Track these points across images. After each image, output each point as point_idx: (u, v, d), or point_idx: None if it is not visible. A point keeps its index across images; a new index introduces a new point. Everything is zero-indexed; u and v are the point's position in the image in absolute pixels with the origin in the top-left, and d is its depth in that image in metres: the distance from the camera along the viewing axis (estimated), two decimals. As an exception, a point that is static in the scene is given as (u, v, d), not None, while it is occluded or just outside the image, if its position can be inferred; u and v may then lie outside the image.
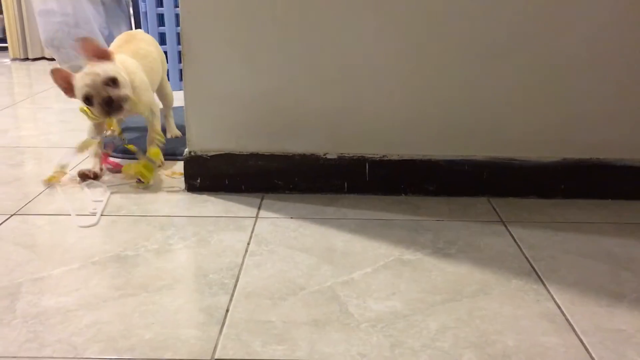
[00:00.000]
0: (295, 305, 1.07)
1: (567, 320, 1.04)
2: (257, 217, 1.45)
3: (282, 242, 1.32)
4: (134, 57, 1.77)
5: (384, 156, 1.57)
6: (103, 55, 1.62)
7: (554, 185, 1.57)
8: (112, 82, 1.57)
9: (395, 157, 1.58)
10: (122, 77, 1.62)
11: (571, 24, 1.47)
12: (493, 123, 1.55)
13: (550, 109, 1.53)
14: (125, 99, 1.59)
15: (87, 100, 1.58)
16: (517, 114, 1.54)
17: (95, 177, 1.67)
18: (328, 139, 1.58)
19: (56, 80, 1.61)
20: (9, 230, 1.37)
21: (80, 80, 1.57)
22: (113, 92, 1.56)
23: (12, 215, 1.45)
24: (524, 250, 1.29)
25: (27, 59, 3.92)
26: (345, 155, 1.58)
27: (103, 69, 1.58)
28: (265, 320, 1.03)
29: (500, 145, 1.56)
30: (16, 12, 3.81)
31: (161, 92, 2.07)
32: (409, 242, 1.33)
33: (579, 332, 1.00)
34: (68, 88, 1.61)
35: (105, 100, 1.56)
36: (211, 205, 1.52)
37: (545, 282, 1.16)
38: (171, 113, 2.11)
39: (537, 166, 1.56)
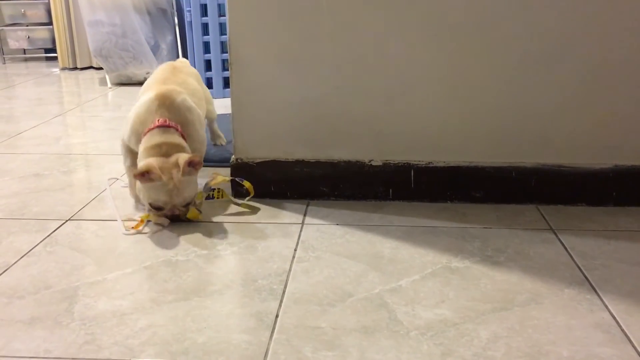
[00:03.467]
0: (344, 312, 1.08)
1: (622, 331, 1.02)
2: (303, 223, 1.46)
3: (328, 248, 1.33)
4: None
5: (429, 163, 1.57)
6: (197, 167, 1.47)
7: (605, 193, 1.54)
8: (189, 203, 1.47)
9: (441, 164, 1.57)
10: (198, 196, 1.53)
11: (620, 28, 1.44)
12: (541, 129, 1.53)
13: (600, 114, 1.50)
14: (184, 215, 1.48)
15: (154, 208, 1.45)
16: (566, 120, 1.52)
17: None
18: (373, 146, 1.59)
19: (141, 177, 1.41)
20: (65, 235, 1.42)
21: (162, 190, 1.41)
22: (184, 212, 1.46)
23: (67, 221, 1.50)
24: (575, 259, 1.27)
25: (75, 68, 4.04)
26: (391, 162, 1.58)
27: (191, 189, 1.45)
28: (314, 326, 1.03)
29: (549, 151, 1.54)
30: (65, 23, 3.93)
31: (207, 113, 1.94)
32: (456, 249, 1.32)
33: (635, 344, 0.98)
34: (145, 177, 1.42)
35: (174, 216, 1.46)
36: (259, 212, 1.54)
37: (599, 292, 1.14)
38: (215, 125, 2.12)
39: (587, 173, 1.53)
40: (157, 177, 1.38)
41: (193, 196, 1.47)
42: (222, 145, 2.10)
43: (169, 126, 1.48)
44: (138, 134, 1.52)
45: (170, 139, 1.46)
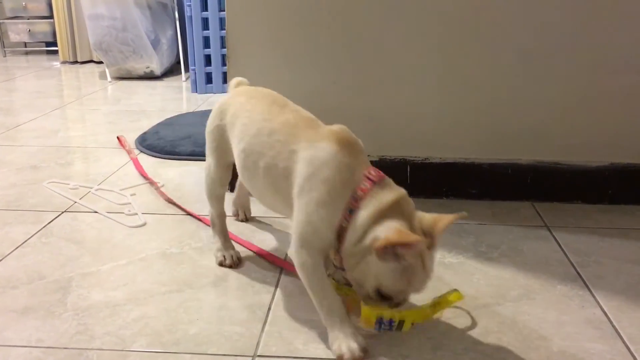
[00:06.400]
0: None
1: (613, 327, 1.02)
2: (298, 217, 1.46)
3: (323, 242, 1.33)
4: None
5: (426, 159, 1.57)
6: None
7: (600, 190, 1.54)
8: None
9: (437, 160, 1.57)
10: None
11: (618, 26, 1.44)
12: (538, 126, 1.53)
13: (597, 112, 1.50)
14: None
15: (382, 295, 0.94)
16: (562, 117, 1.52)
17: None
18: (369, 141, 1.57)
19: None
20: (60, 226, 1.42)
21: (405, 273, 0.91)
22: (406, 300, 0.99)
23: (62, 213, 1.50)
24: (569, 255, 1.27)
25: (76, 62, 4.04)
26: (387, 157, 1.58)
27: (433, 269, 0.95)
28: (306, 319, 1.04)
29: (545, 148, 1.54)
30: (66, 16, 3.93)
31: None
32: (450, 245, 1.32)
33: (626, 340, 0.98)
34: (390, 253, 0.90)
35: (402, 303, 0.98)
36: (254, 206, 1.54)
37: (591, 288, 1.14)
38: None
39: (583, 170, 1.53)
40: (410, 254, 0.90)
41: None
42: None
43: (384, 176, 1.00)
44: (340, 210, 0.96)
45: (401, 193, 0.97)
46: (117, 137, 2.11)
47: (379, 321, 0.95)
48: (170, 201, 1.56)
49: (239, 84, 1.30)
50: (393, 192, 0.96)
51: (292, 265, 1.10)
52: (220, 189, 1.25)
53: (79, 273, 1.20)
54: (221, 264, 1.23)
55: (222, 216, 1.26)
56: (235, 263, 1.23)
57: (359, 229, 0.94)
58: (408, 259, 0.90)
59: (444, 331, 1.00)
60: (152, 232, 1.39)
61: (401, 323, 0.96)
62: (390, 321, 0.95)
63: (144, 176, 1.75)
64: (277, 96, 1.19)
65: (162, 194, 1.60)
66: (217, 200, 1.26)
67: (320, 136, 1.02)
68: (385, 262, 0.90)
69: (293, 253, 1.00)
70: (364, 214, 0.94)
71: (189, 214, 1.46)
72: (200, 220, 1.44)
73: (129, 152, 1.96)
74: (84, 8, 3.37)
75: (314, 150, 1.00)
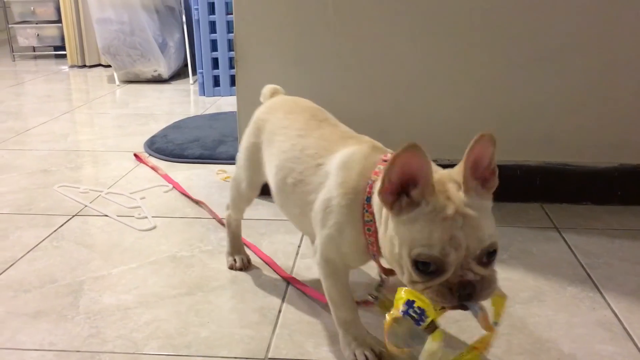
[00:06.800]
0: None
1: (624, 328, 1.01)
2: (307, 220, 1.47)
3: (332, 245, 1.33)
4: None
5: (434, 160, 1.56)
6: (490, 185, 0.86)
7: (609, 191, 1.53)
8: (492, 254, 0.81)
9: (445, 162, 1.56)
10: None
11: (626, 27, 1.44)
12: (546, 127, 1.53)
13: (606, 113, 1.50)
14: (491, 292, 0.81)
15: (425, 263, 0.77)
16: (571, 118, 1.51)
17: None
18: (378, 144, 1.59)
19: (399, 165, 0.78)
20: (71, 230, 1.43)
21: (438, 223, 0.76)
22: (486, 274, 0.79)
23: (73, 216, 1.51)
24: (579, 257, 1.27)
25: (84, 66, 4.06)
26: (395, 159, 1.58)
27: (489, 224, 0.82)
28: (317, 322, 1.04)
29: (554, 150, 1.53)
30: (74, 21, 3.95)
31: None
32: (459, 247, 1.32)
33: (637, 341, 0.98)
34: (396, 188, 0.79)
35: (465, 284, 0.78)
36: (262, 208, 1.55)
37: (602, 290, 1.13)
38: None
39: (592, 172, 1.53)
40: (426, 192, 0.77)
41: (495, 238, 0.80)
42: None
43: None
44: (363, 190, 0.89)
45: None
46: (135, 155, 1.99)
47: (408, 304, 0.77)
48: (221, 222, 1.43)
49: (274, 93, 1.22)
50: None
51: (297, 281, 1.15)
52: (245, 204, 1.23)
53: (90, 276, 1.20)
54: (231, 268, 1.24)
55: (238, 220, 1.26)
56: (245, 266, 1.24)
57: (379, 207, 0.84)
58: (428, 200, 0.76)
59: (454, 333, 1.00)
60: (162, 235, 1.40)
61: (432, 326, 0.78)
62: (421, 312, 0.77)
63: (189, 197, 1.62)
64: (316, 110, 1.11)
65: (212, 213, 1.51)
66: (238, 210, 1.24)
67: (347, 144, 0.96)
68: (401, 216, 0.77)
69: (317, 264, 0.96)
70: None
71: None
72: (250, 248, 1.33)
73: (155, 169, 1.86)
74: (92, 12, 3.40)
75: (340, 157, 0.94)
